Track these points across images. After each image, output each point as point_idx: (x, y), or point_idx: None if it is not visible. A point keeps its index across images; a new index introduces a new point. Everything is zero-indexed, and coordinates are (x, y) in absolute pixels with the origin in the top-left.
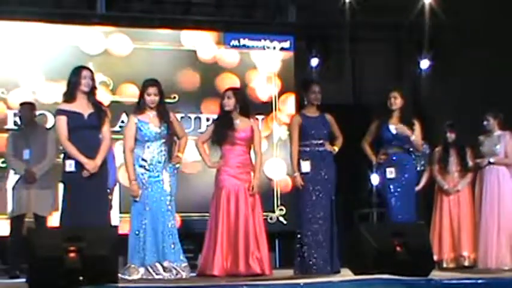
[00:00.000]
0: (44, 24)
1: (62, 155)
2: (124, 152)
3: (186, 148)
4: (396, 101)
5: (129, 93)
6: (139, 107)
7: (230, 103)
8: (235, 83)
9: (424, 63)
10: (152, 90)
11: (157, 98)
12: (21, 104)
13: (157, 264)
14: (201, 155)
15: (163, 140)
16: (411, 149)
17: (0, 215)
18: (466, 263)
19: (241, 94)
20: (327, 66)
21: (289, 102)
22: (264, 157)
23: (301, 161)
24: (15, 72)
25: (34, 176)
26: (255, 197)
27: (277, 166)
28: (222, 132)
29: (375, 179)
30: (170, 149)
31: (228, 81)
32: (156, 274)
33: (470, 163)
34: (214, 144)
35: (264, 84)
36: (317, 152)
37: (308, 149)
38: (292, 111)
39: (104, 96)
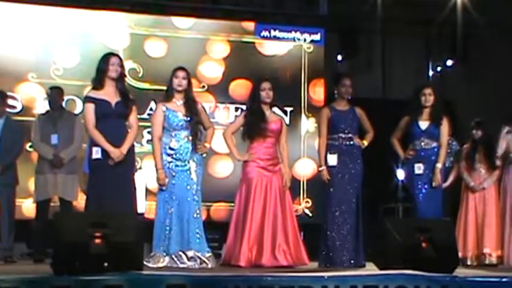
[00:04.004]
0: (76, 10)
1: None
2: (152, 140)
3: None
4: (430, 98)
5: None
6: (168, 95)
7: (271, 95)
8: (263, 74)
9: (455, 60)
10: (180, 73)
11: (185, 82)
12: (51, 89)
13: (182, 253)
14: (229, 146)
15: (190, 129)
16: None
17: (25, 198)
18: (487, 261)
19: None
20: (356, 60)
21: (317, 94)
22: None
23: (328, 154)
24: (46, 57)
25: (62, 161)
26: (286, 190)
27: (305, 161)
28: (255, 125)
29: (400, 174)
30: (196, 138)
31: (255, 72)
32: (181, 263)
33: (498, 162)
34: (245, 137)
35: (292, 77)
36: (345, 146)
37: (336, 142)
38: (321, 102)
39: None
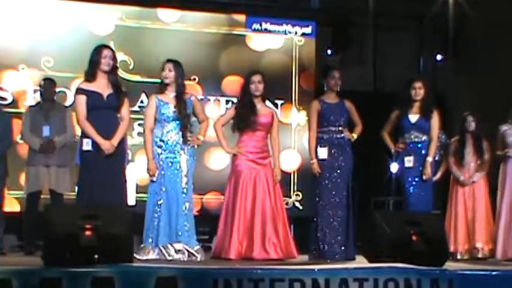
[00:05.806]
0: (67, 2)
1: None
2: (144, 131)
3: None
4: (420, 91)
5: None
6: (161, 87)
7: (260, 88)
8: (255, 67)
9: (446, 54)
10: (167, 65)
11: (171, 74)
12: (44, 80)
13: (170, 246)
14: (219, 138)
15: (181, 121)
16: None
17: (15, 190)
18: (480, 255)
19: (264, 79)
20: (347, 53)
21: (308, 87)
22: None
23: (318, 147)
24: (36, 49)
25: (54, 145)
26: (276, 183)
27: (296, 154)
28: (245, 118)
29: (394, 167)
30: (186, 130)
31: (245, 65)
32: (169, 255)
33: (486, 155)
34: (235, 129)
35: (284, 69)
36: (335, 138)
37: (326, 135)
38: (312, 95)
39: (123, 75)
